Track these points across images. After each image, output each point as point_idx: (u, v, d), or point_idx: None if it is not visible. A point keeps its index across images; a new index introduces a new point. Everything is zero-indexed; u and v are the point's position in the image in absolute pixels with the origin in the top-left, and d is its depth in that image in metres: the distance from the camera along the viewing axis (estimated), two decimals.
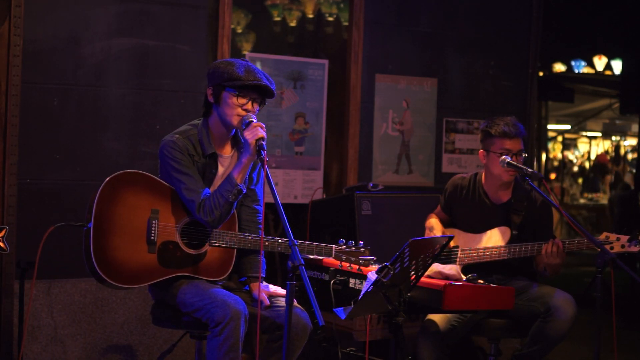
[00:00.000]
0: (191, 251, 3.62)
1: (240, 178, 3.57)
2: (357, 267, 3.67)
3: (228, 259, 3.70)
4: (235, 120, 3.59)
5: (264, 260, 3.79)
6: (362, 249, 3.72)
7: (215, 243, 3.64)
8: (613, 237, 3.99)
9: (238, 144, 3.73)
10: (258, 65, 5.41)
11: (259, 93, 3.60)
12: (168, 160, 3.59)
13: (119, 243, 3.51)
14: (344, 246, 3.73)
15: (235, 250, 3.71)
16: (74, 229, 4.51)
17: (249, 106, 3.58)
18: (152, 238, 3.55)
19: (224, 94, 3.58)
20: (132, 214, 3.54)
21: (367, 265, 3.65)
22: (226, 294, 3.52)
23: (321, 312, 2.94)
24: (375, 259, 3.68)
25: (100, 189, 3.50)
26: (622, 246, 3.96)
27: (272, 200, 3.23)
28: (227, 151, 3.73)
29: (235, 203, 3.60)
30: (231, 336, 3.38)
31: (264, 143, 3.48)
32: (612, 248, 3.96)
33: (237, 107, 3.57)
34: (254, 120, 3.55)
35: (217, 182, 3.68)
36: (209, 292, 3.51)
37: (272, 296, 3.71)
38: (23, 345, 4.19)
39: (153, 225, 3.55)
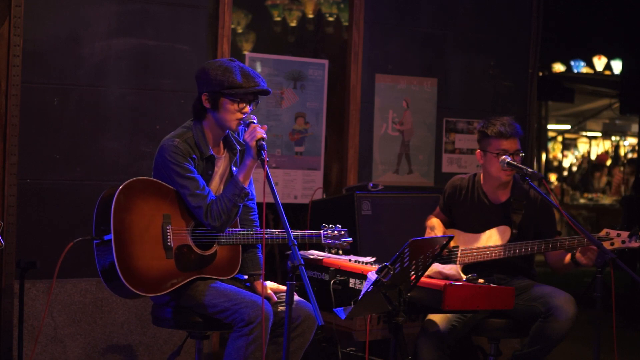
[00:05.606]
0: (203, 252, 3.65)
1: (246, 181, 3.61)
2: (339, 250, 3.97)
3: (236, 256, 3.74)
4: (234, 125, 3.63)
5: (262, 256, 3.82)
6: (343, 232, 3.97)
7: (223, 242, 3.68)
8: (613, 233, 4.00)
9: (229, 144, 3.77)
10: (258, 66, 5.42)
11: (258, 93, 3.65)
12: (170, 165, 3.58)
13: (140, 252, 3.50)
14: (329, 231, 3.94)
15: (241, 247, 3.76)
16: (73, 230, 4.53)
17: (246, 109, 3.62)
18: (169, 243, 3.56)
19: (223, 101, 3.59)
20: (147, 221, 3.54)
21: (346, 247, 3.98)
22: (252, 294, 3.59)
23: (321, 312, 2.95)
24: (350, 240, 3.99)
25: (114, 199, 3.48)
26: (623, 242, 3.97)
27: (272, 200, 3.25)
28: (221, 152, 3.76)
29: (242, 205, 3.62)
30: (260, 337, 3.43)
31: (264, 143, 3.50)
32: (612, 244, 3.97)
33: (236, 112, 3.60)
34: (255, 121, 3.58)
35: (213, 182, 3.72)
36: (234, 293, 3.57)
37: (276, 292, 3.79)
38: (19, 341, 4.20)
39: (167, 230, 3.56)
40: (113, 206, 3.48)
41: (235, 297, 3.54)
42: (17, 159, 4.47)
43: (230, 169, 3.76)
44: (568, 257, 4.12)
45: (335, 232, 3.95)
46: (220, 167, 3.75)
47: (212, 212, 3.57)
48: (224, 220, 3.59)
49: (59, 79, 4.63)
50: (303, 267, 2.97)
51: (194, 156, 3.63)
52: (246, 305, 3.49)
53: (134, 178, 3.59)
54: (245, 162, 3.61)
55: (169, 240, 3.56)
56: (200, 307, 3.61)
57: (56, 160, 4.64)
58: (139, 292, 3.48)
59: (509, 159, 4.15)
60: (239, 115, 3.60)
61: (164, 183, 3.62)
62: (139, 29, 4.83)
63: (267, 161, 3.43)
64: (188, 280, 3.60)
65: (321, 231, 3.94)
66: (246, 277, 3.82)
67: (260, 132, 3.52)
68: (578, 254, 4.04)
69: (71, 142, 4.67)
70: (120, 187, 3.52)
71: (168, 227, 3.57)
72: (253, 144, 3.52)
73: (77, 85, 4.68)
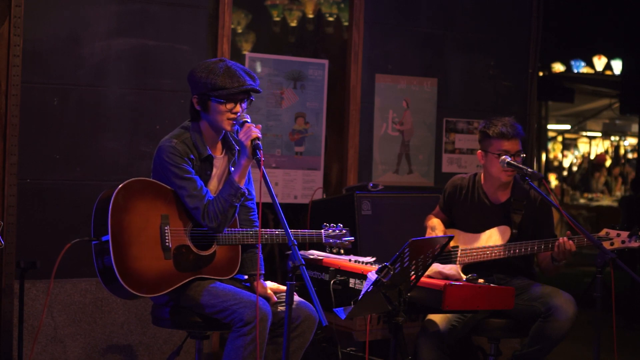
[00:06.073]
0: (202, 253, 3.64)
1: (241, 181, 3.59)
2: (341, 249, 3.95)
3: (235, 257, 3.73)
4: (228, 125, 3.61)
5: (262, 256, 3.83)
6: (344, 231, 3.93)
7: (222, 242, 3.67)
8: (613, 233, 4.00)
9: (228, 144, 3.76)
10: (258, 66, 5.42)
11: (245, 92, 3.61)
12: (168, 166, 3.58)
13: (137, 253, 3.49)
14: (330, 230, 3.91)
15: (240, 247, 3.75)
16: (73, 230, 4.53)
17: (237, 108, 3.59)
18: (167, 244, 3.55)
19: (211, 103, 3.58)
20: (145, 221, 3.53)
21: (348, 246, 3.95)
22: (251, 294, 3.57)
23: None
24: (352, 239, 3.95)
25: (112, 199, 3.47)
26: (623, 242, 3.97)
27: (269, 200, 3.25)
28: (219, 152, 3.76)
29: (239, 205, 3.62)
30: (259, 337, 3.43)
31: (259, 143, 3.49)
32: (612, 244, 3.97)
33: (226, 112, 3.58)
34: (248, 121, 3.57)
35: (212, 182, 3.72)
36: (233, 293, 3.56)
37: (276, 292, 3.78)
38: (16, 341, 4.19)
39: (166, 231, 3.56)
40: (111, 207, 3.47)
41: (234, 297, 3.54)
42: (17, 159, 4.47)
43: (229, 169, 3.76)
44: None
45: (337, 231, 3.94)
46: (219, 167, 3.75)
47: (209, 213, 3.56)
48: (221, 221, 3.58)
49: (59, 79, 4.63)
50: (304, 267, 2.96)
51: (192, 156, 3.62)
52: (245, 305, 3.49)
53: (132, 179, 3.59)
54: (240, 161, 3.60)
55: (167, 240, 3.55)
56: (199, 307, 3.61)
57: (56, 160, 4.64)
58: (137, 293, 3.47)
59: (509, 159, 4.15)
60: (230, 115, 3.58)
61: (162, 184, 3.62)
62: (139, 29, 4.83)
63: (263, 161, 3.41)
64: (187, 280, 3.60)
65: (322, 230, 3.93)
66: (246, 277, 3.82)
67: (255, 132, 3.51)
68: (555, 250, 4.06)
69: (71, 142, 4.67)
70: (118, 187, 3.51)
71: (166, 228, 3.57)
72: (248, 143, 3.51)
73: (77, 85, 4.68)
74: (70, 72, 4.65)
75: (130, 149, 4.81)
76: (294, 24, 6.32)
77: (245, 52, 6.05)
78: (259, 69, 5.42)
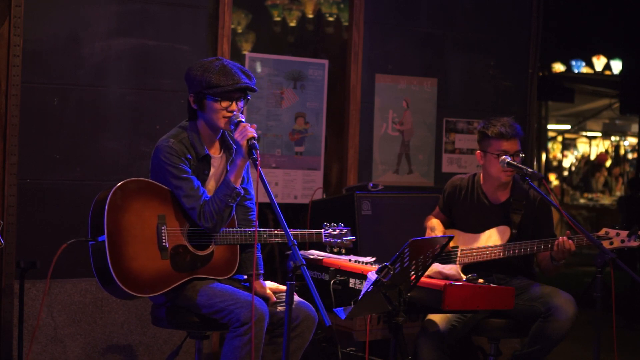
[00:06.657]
0: (199, 253, 3.63)
1: (237, 181, 3.58)
2: (342, 249, 3.93)
3: (233, 257, 3.73)
4: (222, 123, 3.61)
5: (261, 256, 3.82)
6: (345, 230, 3.92)
7: (220, 241, 3.66)
8: (613, 232, 4.01)
9: (226, 143, 3.76)
10: (258, 66, 5.42)
11: (241, 90, 3.61)
12: (165, 166, 3.57)
13: (133, 253, 3.49)
14: (330, 229, 3.90)
15: (239, 247, 3.74)
16: (73, 230, 4.53)
17: (233, 107, 3.59)
18: (164, 244, 3.54)
19: (206, 101, 3.58)
20: (141, 221, 3.53)
21: (349, 245, 3.92)
22: (248, 294, 3.56)
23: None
24: (353, 238, 3.93)
25: (108, 199, 3.47)
26: (622, 241, 3.98)
27: (267, 200, 3.24)
28: (217, 152, 3.75)
29: (235, 205, 3.61)
30: (256, 337, 3.43)
31: (255, 142, 3.48)
32: (611, 243, 3.97)
33: (222, 110, 3.58)
34: (243, 120, 3.56)
35: (209, 182, 3.71)
36: (230, 293, 3.55)
37: (275, 292, 3.77)
38: (18, 345, 4.19)
39: (162, 231, 3.55)
40: (107, 207, 3.46)
41: (231, 297, 3.53)
42: (17, 159, 4.47)
43: (227, 169, 3.75)
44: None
45: (337, 230, 3.93)
46: (217, 167, 3.74)
47: (204, 213, 3.55)
48: (217, 221, 3.57)
49: (59, 79, 4.63)
50: (305, 267, 2.96)
51: (189, 156, 3.61)
52: (242, 305, 3.48)
53: (129, 179, 3.58)
54: (236, 161, 3.59)
55: (164, 240, 3.55)
56: (196, 307, 3.60)
57: (56, 160, 4.64)
58: (133, 293, 3.46)
59: (509, 159, 4.15)
60: (226, 114, 3.58)
61: (159, 184, 3.61)
62: (139, 29, 4.83)
63: (260, 161, 3.40)
64: (184, 280, 3.59)
65: (322, 230, 3.93)
66: (245, 277, 3.82)
67: (251, 132, 3.50)
68: (554, 249, 4.06)
69: (71, 142, 4.67)
70: (115, 187, 3.51)
71: (163, 228, 3.56)
72: (244, 143, 3.50)
73: (77, 85, 4.68)
74: (70, 72, 4.65)
75: (130, 149, 4.81)
76: (293, 24, 6.32)
77: (245, 52, 6.05)
78: (259, 69, 5.42)
